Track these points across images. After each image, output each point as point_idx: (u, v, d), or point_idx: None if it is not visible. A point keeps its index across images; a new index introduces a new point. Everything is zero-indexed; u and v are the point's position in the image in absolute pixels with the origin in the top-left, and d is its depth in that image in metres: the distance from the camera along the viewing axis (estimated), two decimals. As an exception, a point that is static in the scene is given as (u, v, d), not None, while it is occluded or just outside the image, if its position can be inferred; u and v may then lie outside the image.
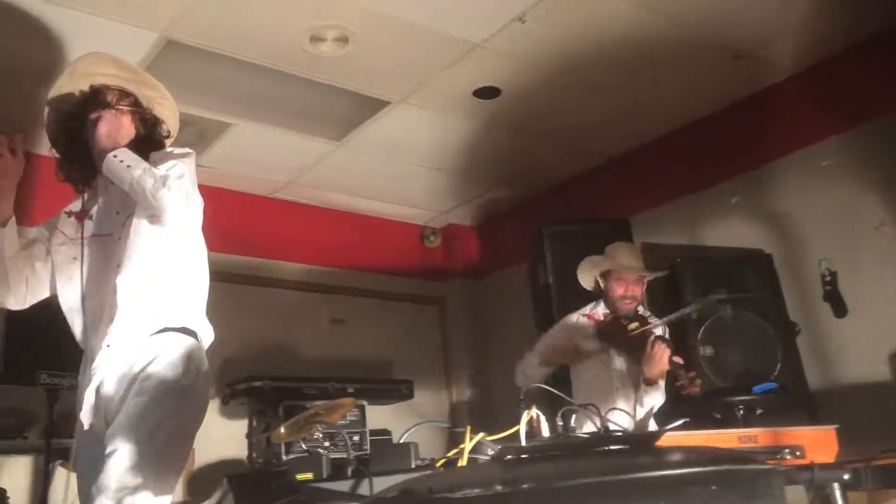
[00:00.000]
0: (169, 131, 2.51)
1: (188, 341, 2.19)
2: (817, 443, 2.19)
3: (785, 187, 4.30)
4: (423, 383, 5.42)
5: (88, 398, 2.10)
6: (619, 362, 3.39)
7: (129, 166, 2.14)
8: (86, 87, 2.39)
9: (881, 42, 3.94)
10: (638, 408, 3.23)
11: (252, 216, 5.38)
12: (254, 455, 4.41)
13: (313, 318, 5.44)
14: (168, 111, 2.51)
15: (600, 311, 3.55)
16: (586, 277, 3.63)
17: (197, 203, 2.21)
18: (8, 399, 3.87)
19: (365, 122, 4.58)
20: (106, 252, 2.24)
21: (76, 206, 2.37)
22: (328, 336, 5.46)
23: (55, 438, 3.26)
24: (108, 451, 1.96)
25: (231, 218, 5.27)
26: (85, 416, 2.10)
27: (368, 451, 3.90)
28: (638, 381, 3.28)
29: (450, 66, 4.02)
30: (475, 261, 6.28)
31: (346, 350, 5.45)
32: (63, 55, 3.65)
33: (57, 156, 2.40)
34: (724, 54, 4.07)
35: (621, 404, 3.24)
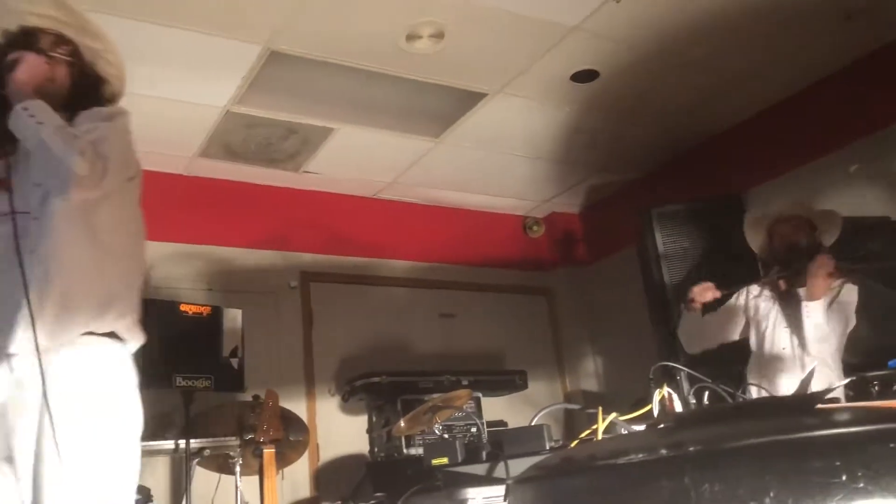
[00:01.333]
0: (113, 94, 2.06)
1: (113, 348, 1.80)
2: (972, 413, 2.05)
3: (910, 149, 4.05)
4: (536, 373, 5.41)
5: None
6: (793, 317, 3.18)
7: (39, 123, 1.73)
8: (13, 28, 1.97)
9: None
10: (807, 358, 3.04)
11: (358, 217, 5.51)
12: (375, 449, 4.51)
13: (423, 313, 5.51)
14: (114, 69, 2.07)
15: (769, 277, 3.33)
16: (754, 238, 3.43)
17: (119, 176, 1.83)
18: (147, 403, 4.11)
19: (463, 117, 4.61)
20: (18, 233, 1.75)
21: None
22: (439, 330, 5.52)
23: (193, 438, 3.43)
24: None
25: (338, 220, 5.42)
26: None
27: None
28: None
29: (546, 51, 3.99)
30: (581, 248, 6.21)
31: (457, 344, 5.50)
32: (167, 74, 3.84)
33: None
34: (834, 14, 3.87)
35: (790, 367, 3.10)
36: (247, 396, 3.73)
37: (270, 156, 4.83)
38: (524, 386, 5.12)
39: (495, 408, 5.03)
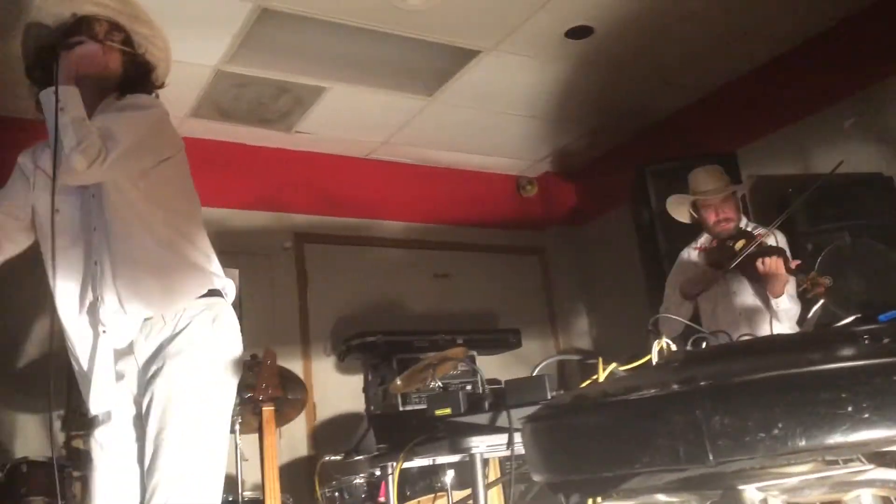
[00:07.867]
0: (160, 77, 2.17)
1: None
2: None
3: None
4: (529, 332, 5.45)
5: None
6: (737, 286, 3.32)
7: (61, 109, 1.82)
8: (67, 15, 2.04)
9: None
10: (775, 323, 3.16)
11: (351, 178, 5.49)
12: (371, 407, 4.57)
13: (417, 273, 5.53)
14: (161, 53, 2.17)
15: (704, 241, 3.49)
16: (679, 213, 3.57)
17: (141, 160, 1.99)
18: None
19: (456, 74, 4.57)
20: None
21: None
22: (432, 290, 5.55)
23: None
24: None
25: (331, 181, 5.40)
26: None
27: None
28: (764, 300, 3.22)
29: (540, 7, 3.95)
30: (574, 207, 6.22)
31: (450, 303, 5.53)
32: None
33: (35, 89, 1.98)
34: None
35: (745, 330, 3.17)
36: (245, 356, 3.74)
37: (262, 116, 4.79)
38: (518, 344, 5.17)
39: (490, 367, 5.06)
